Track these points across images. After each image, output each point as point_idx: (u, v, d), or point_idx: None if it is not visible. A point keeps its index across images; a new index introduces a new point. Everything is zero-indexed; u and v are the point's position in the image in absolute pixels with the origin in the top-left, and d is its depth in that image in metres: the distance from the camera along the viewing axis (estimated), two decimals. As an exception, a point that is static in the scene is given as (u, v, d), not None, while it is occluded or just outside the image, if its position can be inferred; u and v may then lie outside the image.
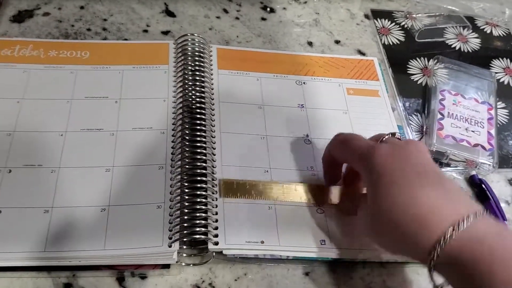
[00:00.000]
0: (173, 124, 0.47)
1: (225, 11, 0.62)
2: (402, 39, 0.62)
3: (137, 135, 0.46)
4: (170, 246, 0.39)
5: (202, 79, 0.50)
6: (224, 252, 0.39)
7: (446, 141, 0.50)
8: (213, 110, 0.48)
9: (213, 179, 0.43)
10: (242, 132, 0.47)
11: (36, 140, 0.44)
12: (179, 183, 0.42)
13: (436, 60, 0.58)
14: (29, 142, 0.44)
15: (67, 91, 0.48)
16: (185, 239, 0.39)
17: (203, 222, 0.40)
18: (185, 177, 0.42)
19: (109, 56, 0.52)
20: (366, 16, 0.65)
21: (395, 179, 0.34)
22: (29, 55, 0.51)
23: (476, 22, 0.66)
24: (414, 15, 0.65)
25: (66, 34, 0.55)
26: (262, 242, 0.40)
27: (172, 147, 0.45)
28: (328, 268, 0.41)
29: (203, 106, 0.47)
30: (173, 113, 0.47)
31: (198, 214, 0.40)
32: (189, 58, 0.51)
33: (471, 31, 0.64)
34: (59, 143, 0.44)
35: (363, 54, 0.60)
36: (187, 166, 0.43)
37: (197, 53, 0.52)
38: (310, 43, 0.60)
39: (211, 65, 0.52)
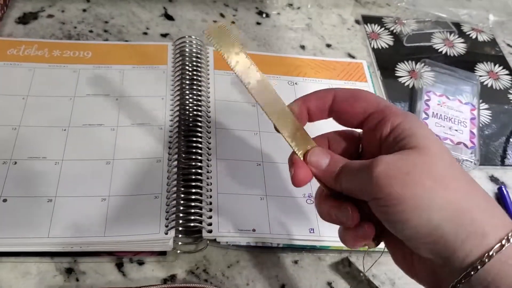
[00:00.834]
0: (170, 120, 0.49)
1: (222, 15, 0.64)
2: (391, 43, 0.65)
3: (136, 131, 0.48)
4: (166, 234, 0.41)
5: (199, 78, 0.52)
6: (218, 239, 0.42)
7: (430, 139, 0.52)
8: (209, 108, 0.51)
9: (208, 172, 0.45)
10: (236, 128, 0.50)
11: (40, 134, 0.46)
12: (175, 175, 0.44)
13: (423, 64, 0.61)
14: (34, 136, 0.46)
15: (70, 89, 0.50)
16: (180, 228, 0.41)
17: (198, 211, 0.42)
18: (181, 170, 0.44)
19: (110, 56, 0.54)
20: (357, 21, 0.68)
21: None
22: (34, 54, 0.53)
23: (462, 28, 0.69)
24: (403, 21, 0.67)
25: (69, 36, 0.57)
26: (254, 230, 0.42)
27: (169, 142, 0.47)
28: (316, 256, 0.44)
29: (199, 104, 0.50)
30: (170, 110, 0.50)
31: (193, 204, 0.42)
32: (187, 58, 0.53)
33: (457, 36, 0.67)
34: (62, 137, 0.46)
35: (353, 57, 0.62)
36: (183, 160, 0.45)
37: (194, 54, 0.54)
38: (302, 47, 0.62)
39: (207, 65, 0.55)
